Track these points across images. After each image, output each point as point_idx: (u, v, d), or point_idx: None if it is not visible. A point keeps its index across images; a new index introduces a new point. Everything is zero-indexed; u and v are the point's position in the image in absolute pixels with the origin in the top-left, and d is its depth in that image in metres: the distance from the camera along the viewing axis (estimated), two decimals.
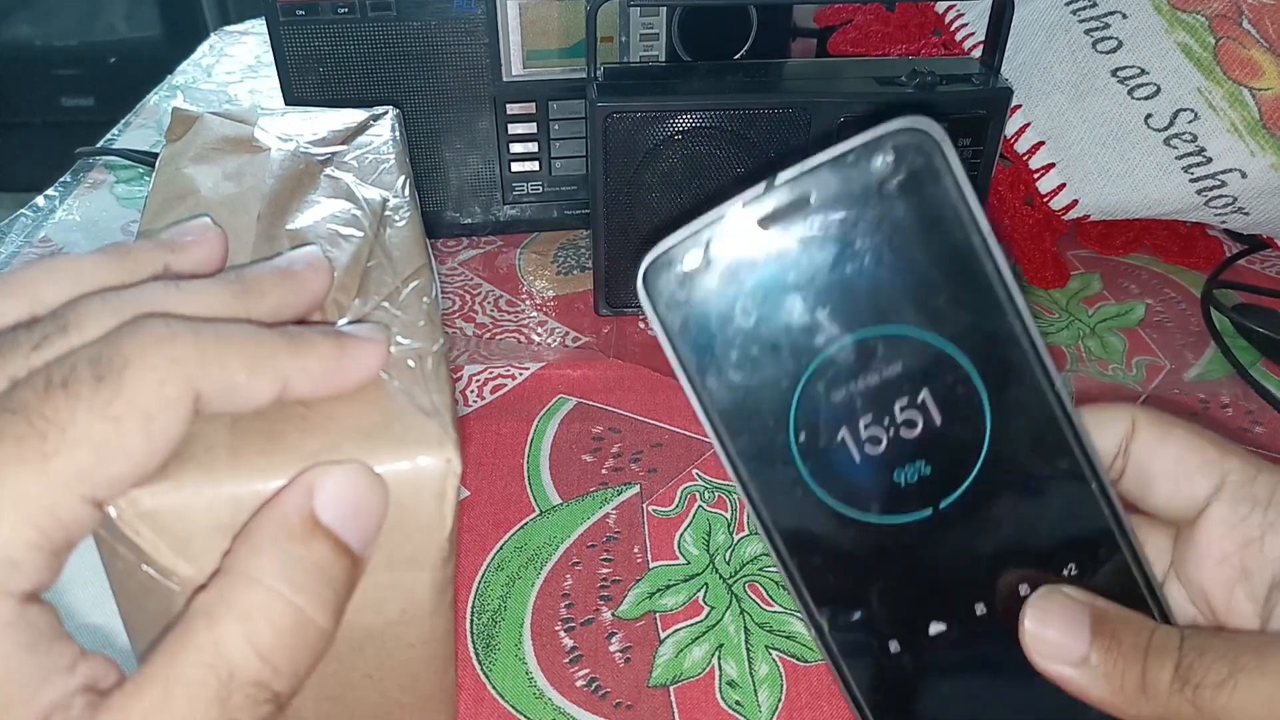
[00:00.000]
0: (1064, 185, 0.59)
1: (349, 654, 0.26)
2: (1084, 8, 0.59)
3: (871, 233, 0.23)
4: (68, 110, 2.08)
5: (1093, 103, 0.58)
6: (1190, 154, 0.56)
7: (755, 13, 0.60)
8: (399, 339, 0.27)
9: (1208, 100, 0.56)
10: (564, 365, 0.53)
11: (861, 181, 0.23)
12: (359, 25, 0.55)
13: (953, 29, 0.64)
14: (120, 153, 0.74)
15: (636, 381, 0.52)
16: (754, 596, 0.41)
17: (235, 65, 0.93)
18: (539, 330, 0.57)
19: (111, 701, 0.20)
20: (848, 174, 0.23)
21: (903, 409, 0.24)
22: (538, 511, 0.45)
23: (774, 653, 0.39)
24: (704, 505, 0.45)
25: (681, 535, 0.44)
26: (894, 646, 0.26)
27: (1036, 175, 0.59)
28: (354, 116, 0.37)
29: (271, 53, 0.56)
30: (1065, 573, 0.26)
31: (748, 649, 0.39)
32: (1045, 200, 0.60)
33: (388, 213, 0.32)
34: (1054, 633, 0.25)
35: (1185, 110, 0.56)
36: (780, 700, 0.37)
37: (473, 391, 0.52)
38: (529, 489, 0.46)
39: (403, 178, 0.34)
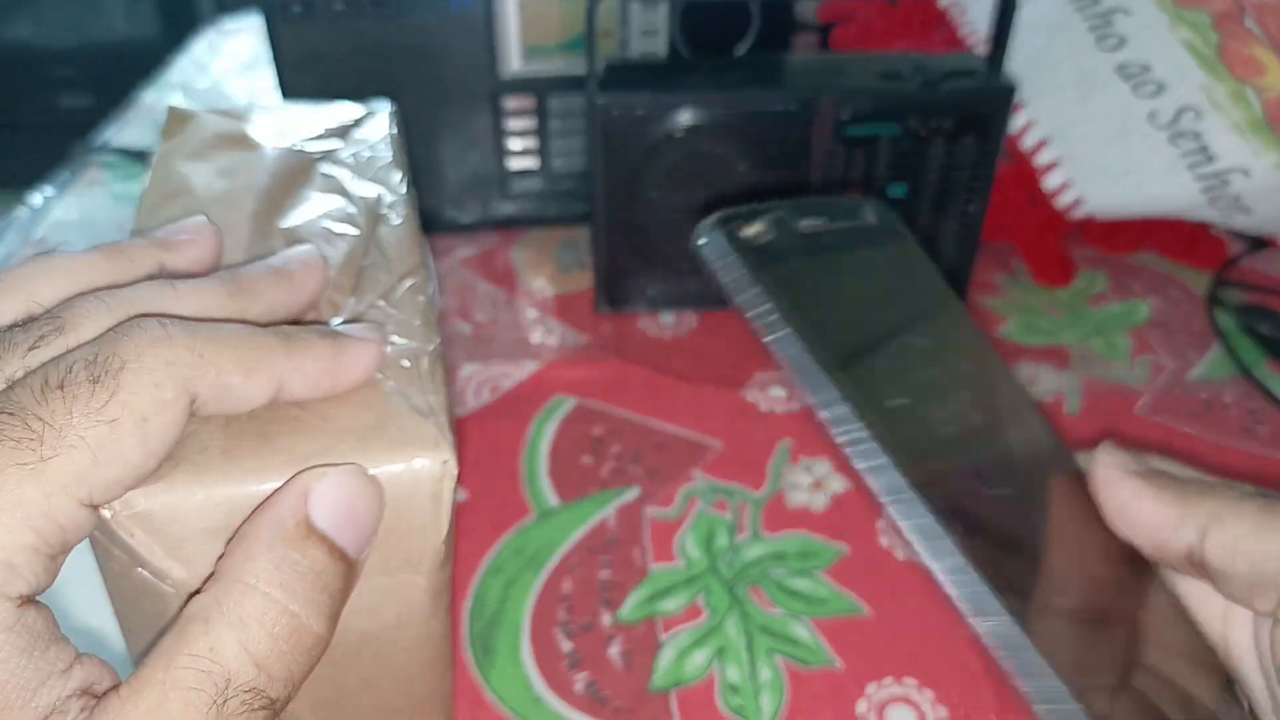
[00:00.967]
0: (1068, 183, 0.58)
1: (345, 658, 0.26)
2: (1088, 5, 0.59)
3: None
4: (64, 109, 2.08)
5: (1096, 100, 0.57)
6: (1194, 152, 0.56)
7: (757, 8, 0.59)
8: (394, 338, 0.26)
9: (1211, 98, 0.56)
10: (563, 365, 0.53)
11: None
12: (356, 21, 0.55)
13: (956, 25, 0.64)
14: (117, 151, 0.74)
15: (636, 381, 0.52)
16: (755, 600, 0.41)
17: (232, 62, 0.93)
18: (537, 329, 0.56)
19: (108, 706, 0.20)
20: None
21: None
22: (536, 514, 0.45)
23: (776, 657, 0.38)
24: (705, 507, 0.45)
25: (682, 538, 0.43)
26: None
27: (1040, 173, 0.59)
28: (350, 112, 0.37)
29: (268, 49, 0.56)
30: None
31: (749, 653, 0.39)
32: (1049, 199, 0.59)
33: (384, 210, 0.32)
34: (1119, 457, 0.26)
35: (1189, 108, 0.56)
36: (782, 705, 0.37)
37: (470, 392, 0.51)
38: (527, 491, 0.46)
39: (399, 174, 0.33)
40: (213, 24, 1.02)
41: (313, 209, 0.31)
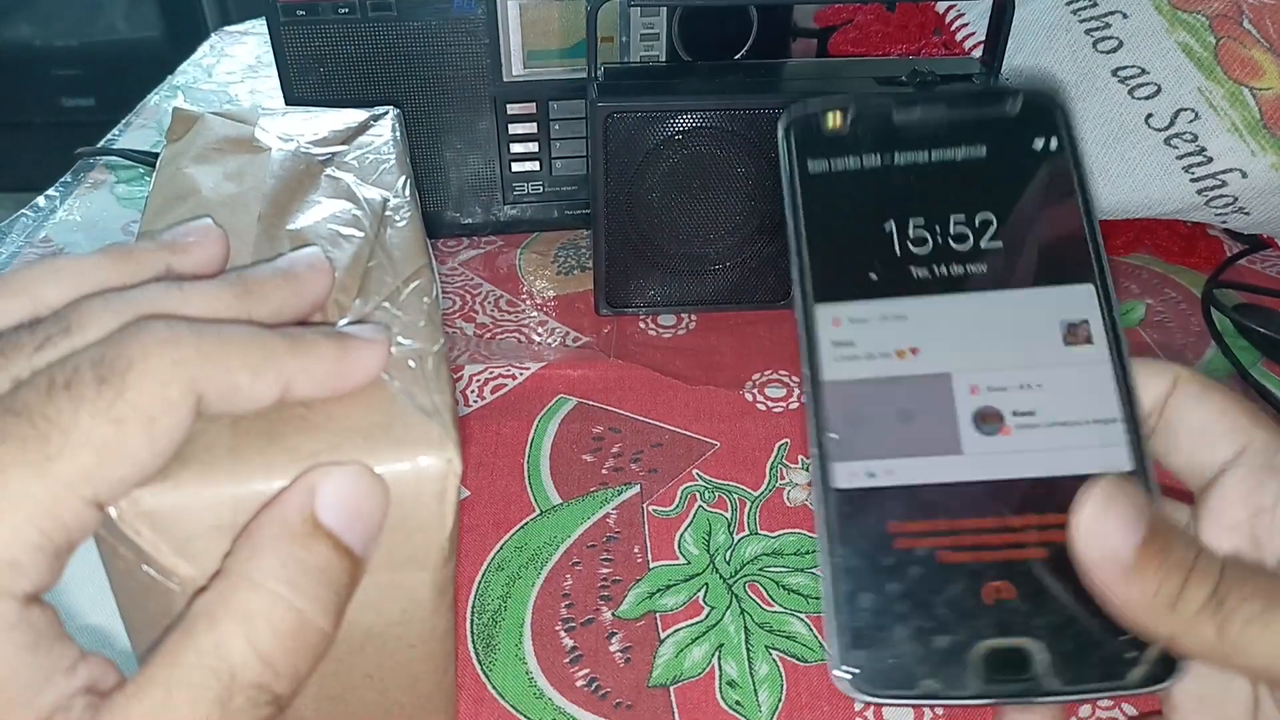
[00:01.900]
0: None
1: (349, 654, 0.26)
2: (1084, 7, 0.59)
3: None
4: (68, 110, 2.08)
5: (1093, 102, 0.58)
6: (1191, 154, 0.56)
7: (756, 13, 0.60)
8: (399, 339, 0.27)
9: (1208, 100, 0.56)
10: (564, 365, 0.53)
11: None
12: (359, 25, 0.55)
13: (953, 29, 0.64)
14: (121, 153, 0.74)
15: (637, 381, 0.52)
16: (754, 596, 0.41)
17: (236, 65, 0.93)
18: (539, 330, 0.57)
19: (112, 703, 0.20)
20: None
21: None
22: (538, 511, 0.45)
23: (774, 653, 0.39)
24: (704, 505, 0.45)
25: (682, 535, 0.44)
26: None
27: None
28: (355, 116, 0.37)
29: (272, 53, 0.56)
30: None
31: (748, 649, 0.39)
32: None
33: (388, 213, 0.32)
34: (1113, 523, 0.24)
35: (1186, 110, 0.56)
36: (780, 700, 0.37)
37: (473, 391, 0.52)
38: (529, 489, 0.46)
39: (403, 178, 0.34)
40: (217, 29, 1.02)
41: (319, 212, 0.31)
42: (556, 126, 0.60)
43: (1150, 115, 0.57)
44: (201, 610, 0.21)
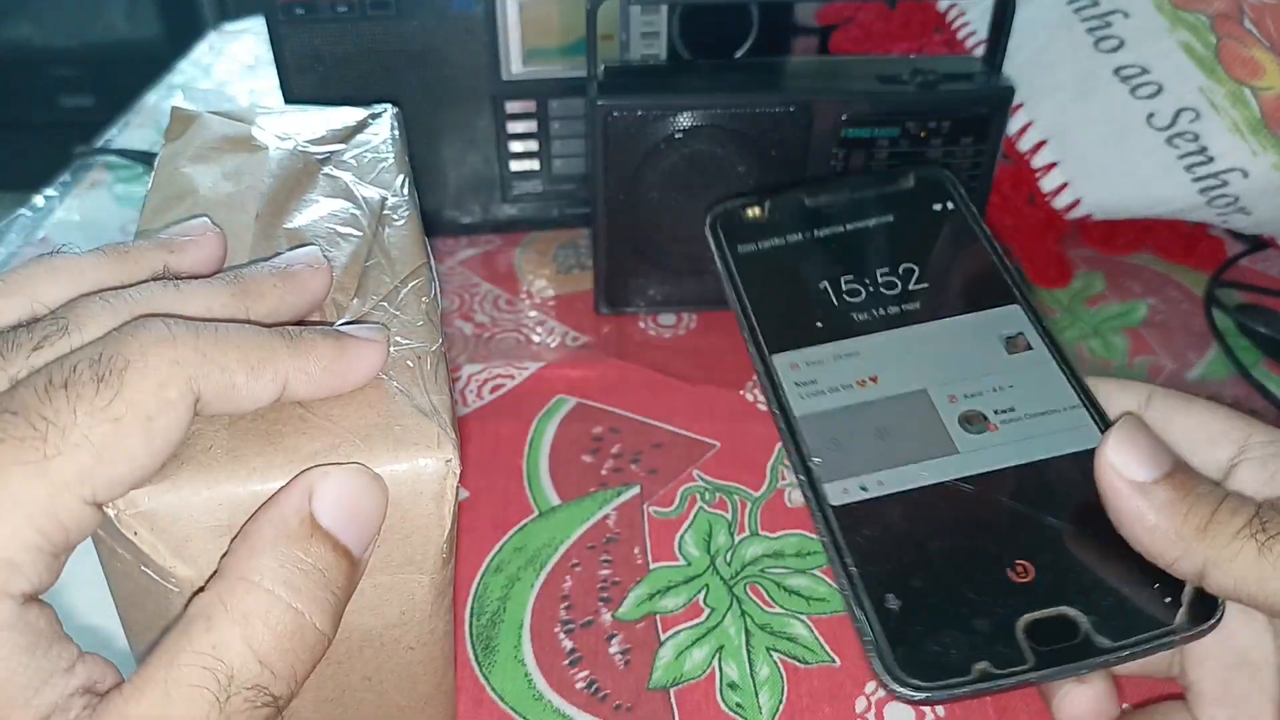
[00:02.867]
0: (1066, 184, 0.59)
1: (348, 656, 0.26)
2: (1086, 6, 0.59)
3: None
4: (67, 110, 2.08)
5: (1095, 102, 0.58)
6: (1192, 153, 0.56)
7: (756, 11, 0.60)
8: (398, 339, 0.26)
9: (1210, 99, 0.56)
10: (563, 365, 0.53)
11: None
12: (358, 24, 0.55)
13: (954, 27, 0.64)
14: (119, 152, 0.74)
15: (636, 381, 0.52)
16: (755, 598, 0.41)
17: (234, 64, 0.93)
18: (538, 330, 0.56)
19: (110, 704, 0.20)
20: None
21: None
22: (537, 512, 0.45)
23: (775, 655, 0.39)
24: (704, 506, 0.45)
25: (682, 536, 0.44)
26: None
27: (1038, 174, 0.59)
28: (353, 115, 0.37)
29: (270, 51, 0.56)
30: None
31: (748, 651, 0.39)
32: (1047, 199, 0.59)
33: (387, 212, 0.32)
34: (1138, 453, 0.26)
35: (1187, 109, 0.56)
36: (781, 702, 0.37)
37: (472, 391, 0.52)
38: (528, 490, 0.46)
39: (402, 176, 0.34)
40: (215, 27, 1.02)
41: (317, 211, 0.31)
42: (556, 125, 0.60)
43: (1152, 115, 0.57)
44: (199, 611, 0.21)
